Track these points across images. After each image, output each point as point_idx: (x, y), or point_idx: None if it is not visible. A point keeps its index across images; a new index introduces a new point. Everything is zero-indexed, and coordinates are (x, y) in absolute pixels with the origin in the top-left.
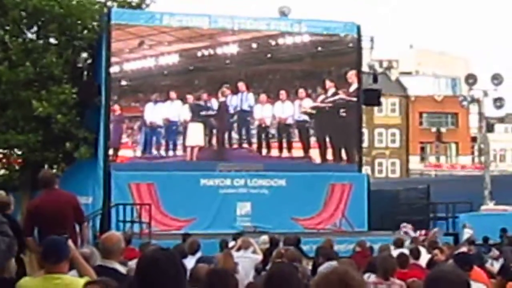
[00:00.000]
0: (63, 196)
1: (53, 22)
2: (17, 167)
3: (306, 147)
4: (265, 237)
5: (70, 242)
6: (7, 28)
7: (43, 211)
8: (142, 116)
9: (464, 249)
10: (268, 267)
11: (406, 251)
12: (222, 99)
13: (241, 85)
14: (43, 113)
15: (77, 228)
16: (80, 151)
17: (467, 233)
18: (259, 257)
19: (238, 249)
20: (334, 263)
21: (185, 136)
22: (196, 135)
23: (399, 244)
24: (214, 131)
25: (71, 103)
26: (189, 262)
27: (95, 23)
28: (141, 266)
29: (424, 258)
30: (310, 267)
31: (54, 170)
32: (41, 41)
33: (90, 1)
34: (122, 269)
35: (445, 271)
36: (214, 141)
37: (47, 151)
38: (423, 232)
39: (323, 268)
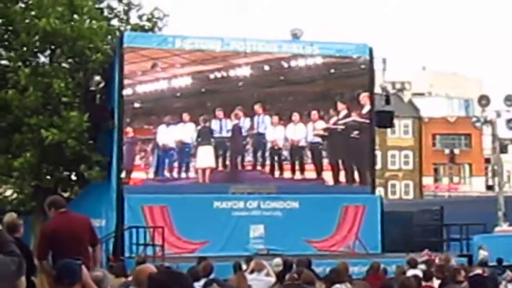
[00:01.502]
0: (78, 219)
1: (65, 45)
2: (30, 191)
3: (319, 169)
4: (278, 260)
5: (83, 267)
6: (18, 52)
7: (60, 234)
8: (155, 138)
9: (479, 270)
10: None
11: (419, 272)
12: (235, 121)
13: (257, 108)
14: (53, 141)
15: (90, 250)
16: (93, 173)
17: (481, 255)
18: (273, 279)
19: (252, 272)
20: (338, 286)
21: (196, 158)
22: (206, 157)
23: (412, 264)
24: (227, 153)
25: (83, 128)
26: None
27: (107, 46)
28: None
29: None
30: None
31: (67, 194)
32: (52, 66)
33: (100, 25)
34: None
35: None
36: (227, 163)
37: (60, 175)
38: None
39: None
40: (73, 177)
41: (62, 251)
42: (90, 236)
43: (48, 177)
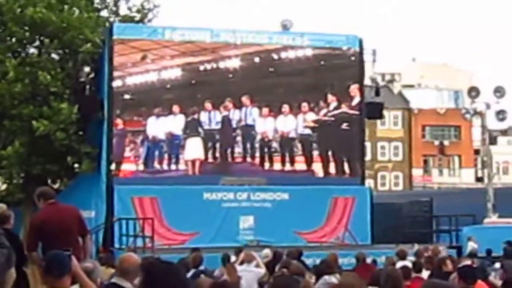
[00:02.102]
0: (67, 210)
1: (54, 36)
2: (20, 182)
3: (309, 161)
4: (267, 251)
5: (73, 257)
6: (7, 43)
7: (49, 225)
8: (145, 130)
9: (468, 261)
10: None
11: (409, 263)
12: (224, 113)
13: (245, 100)
14: (43, 132)
15: (80, 241)
16: (83, 165)
17: (470, 246)
18: (262, 270)
19: (241, 263)
20: (327, 277)
21: (186, 150)
22: (194, 149)
23: (401, 256)
24: (217, 145)
25: (73, 120)
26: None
27: (97, 37)
28: (147, 280)
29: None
30: (313, 281)
31: (57, 185)
32: (40, 57)
33: (90, 16)
34: None
35: (437, 282)
36: (217, 154)
37: (49, 166)
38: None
39: (322, 280)
40: (63, 168)
41: (52, 242)
42: (79, 227)
43: (38, 167)
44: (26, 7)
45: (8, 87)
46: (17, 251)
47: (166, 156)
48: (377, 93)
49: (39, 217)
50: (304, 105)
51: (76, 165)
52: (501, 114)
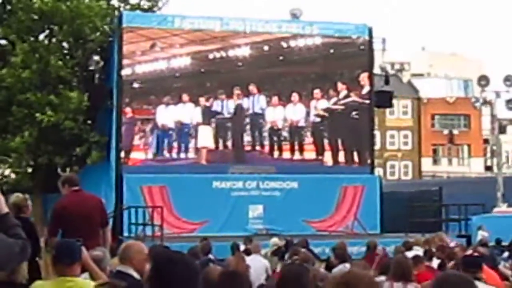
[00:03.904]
0: (90, 199)
1: (63, 25)
2: (28, 171)
3: (318, 150)
4: (275, 239)
5: (83, 247)
6: (16, 27)
7: (70, 212)
8: (154, 118)
9: (469, 251)
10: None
11: (419, 253)
12: (236, 101)
13: (252, 88)
14: (49, 123)
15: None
16: (92, 155)
17: (480, 235)
18: (268, 263)
19: (250, 253)
20: (347, 265)
21: (196, 139)
22: (205, 137)
23: (408, 247)
24: (228, 133)
25: (83, 108)
26: None
27: (106, 26)
28: (157, 269)
29: (436, 260)
30: (322, 269)
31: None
32: (50, 44)
33: (99, 4)
34: (137, 276)
35: (450, 274)
36: (227, 143)
37: (58, 154)
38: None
39: (337, 269)
40: (72, 157)
41: (72, 229)
42: (101, 217)
43: (46, 156)
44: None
45: (15, 72)
46: (32, 240)
47: (175, 144)
48: (387, 82)
49: (62, 203)
50: (317, 92)
51: (85, 154)
52: (510, 103)
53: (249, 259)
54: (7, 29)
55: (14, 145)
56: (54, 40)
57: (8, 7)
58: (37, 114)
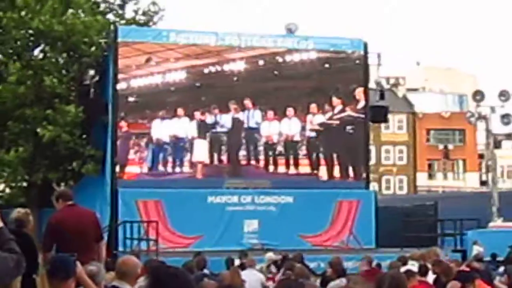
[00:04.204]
0: (85, 213)
1: (58, 42)
2: (23, 185)
3: (313, 164)
4: (270, 254)
5: (77, 262)
6: (10, 45)
7: (65, 226)
8: (149, 132)
9: (463, 266)
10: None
11: (413, 268)
12: (230, 116)
13: (247, 102)
14: (49, 138)
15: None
16: (88, 168)
17: (476, 250)
18: (263, 276)
19: (245, 267)
20: (344, 280)
21: (191, 153)
22: (200, 152)
23: (403, 261)
24: (223, 147)
25: (77, 121)
26: None
27: (102, 40)
28: (154, 284)
29: (431, 275)
30: (318, 284)
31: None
32: (44, 60)
33: (96, 19)
34: None
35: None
36: (222, 157)
37: (53, 169)
38: None
39: (334, 284)
40: (67, 172)
41: (66, 244)
42: (95, 232)
43: (42, 171)
44: (29, 18)
45: (11, 88)
46: (30, 257)
47: (170, 159)
48: (382, 97)
49: (56, 217)
50: (311, 107)
51: (83, 169)
52: (506, 118)
53: (244, 274)
54: (1, 46)
55: (9, 159)
56: (49, 54)
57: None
58: (38, 130)
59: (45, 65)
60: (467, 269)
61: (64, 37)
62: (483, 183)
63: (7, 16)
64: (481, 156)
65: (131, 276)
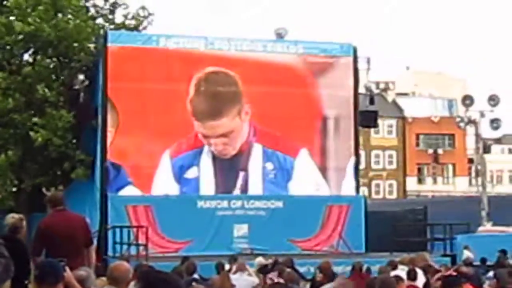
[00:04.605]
0: (74, 218)
1: (49, 46)
2: (13, 190)
3: None
4: (260, 259)
5: (66, 267)
6: None
7: (54, 231)
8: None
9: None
10: None
11: (403, 272)
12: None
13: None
14: (41, 142)
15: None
16: (77, 172)
17: (466, 255)
18: (256, 280)
19: (235, 272)
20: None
21: None
22: None
23: (393, 266)
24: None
25: (67, 126)
26: None
27: (91, 45)
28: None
29: (421, 280)
30: None
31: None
32: (34, 68)
33: (87, 24)
34: None
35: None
36: None
37: (43, 174)
38: None
39: None
40: (57, 176)
41: (55, 249)
42: (85, 237)
43: (31, 175)
44: (18, 21)
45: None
46: (22, 262)
47: None
48: (371, 102)
49: (45, 222)
50: None
51: (73, 174)
52: (495, 123)
53: (234, 278)
54: None
55: None
56: (38, 62)
57: None
58: (31, 133)
59: (35, 72)
60: (454, 273)
61: (54, 41)
62: (472, 186)
63: None
64: (470, 161)
65: (122, 281)
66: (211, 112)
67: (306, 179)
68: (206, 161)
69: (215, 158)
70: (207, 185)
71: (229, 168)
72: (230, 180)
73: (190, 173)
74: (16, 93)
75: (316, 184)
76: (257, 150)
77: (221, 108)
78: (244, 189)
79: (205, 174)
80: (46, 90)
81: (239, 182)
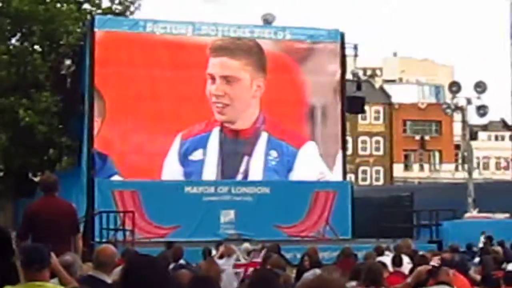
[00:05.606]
0: (62, 205)
1: (37, 27)
2: (0, 174)
3: None
4: (246, 245)
5: (52, 253)
6: None
7: (40, 217)
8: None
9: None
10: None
11: (388, 258)
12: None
13: None
14: (28, 123)
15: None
16: (64, 160)
17: (481, 240)
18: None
19: (221, 257)
20: (318, 271)
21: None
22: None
23: (379, 252)
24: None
25: (54, 110)
26: None
27: (78, 30)
28: (128, 273)
29: (407, 266)
30: (294, 275)
31: (38, 178)
32: (25, 46)
33: (71, 8)
34: (110, 281)
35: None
36: None
37: (31, 157)
38: None
39: (308, 274)
40: (43, 161)
41: (42, 234)
42: (71, 224)
43: (19, 160)
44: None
45: None
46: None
47: None
48: (359, 88)
49: (32, 207)
50: None
51: (57, 158)
52: (482, 110)
53: (220, 263)
54: None
55: None
56: (26, 43)
57: None
58: (21, 111)
59: (25, 51)
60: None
61: (42, 24)
62: (458, 172)
63: None
64: (457, 147)
65: (108, 266)
66: (228, 52)
67: (308, 169)
68: (213, 143)
69: (221, 142)
70: (211, 168)
71: (234, 153)
72: (234, 164)
73: (196, 155)
74: (7, 71)
75: (320, 173)
76: (263, 138)
77: (239, 54)
78: (247, 174)
79: (210, 157)
80: (39, 61)
81: (243, 167)
